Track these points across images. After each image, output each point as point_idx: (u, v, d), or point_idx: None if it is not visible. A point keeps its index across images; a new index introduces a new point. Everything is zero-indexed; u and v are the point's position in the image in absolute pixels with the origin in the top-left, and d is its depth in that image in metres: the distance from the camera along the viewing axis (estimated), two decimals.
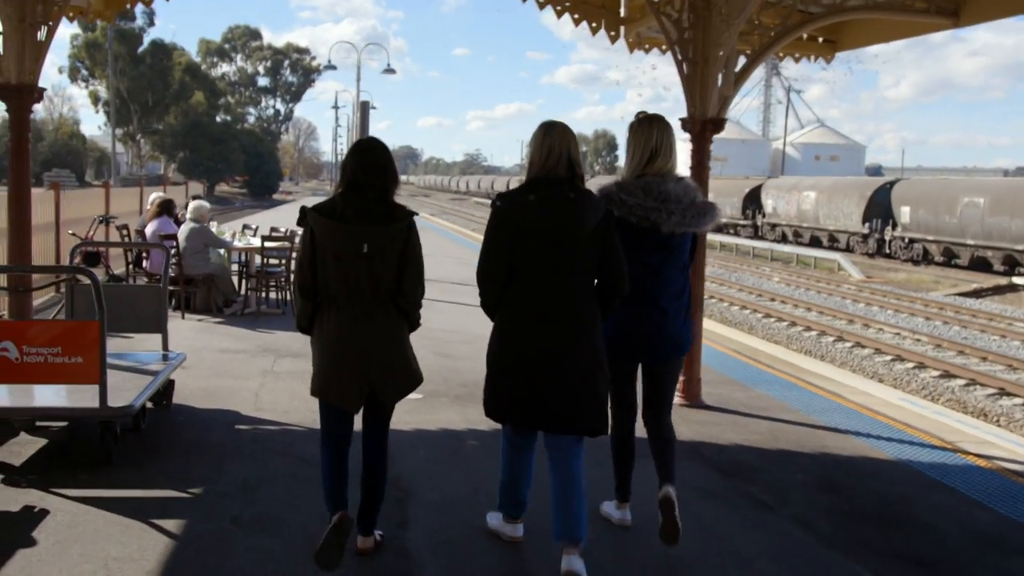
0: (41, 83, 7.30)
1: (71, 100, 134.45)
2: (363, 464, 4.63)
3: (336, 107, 60.76)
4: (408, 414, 7.40)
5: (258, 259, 11.94)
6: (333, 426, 4.57)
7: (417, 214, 4.54)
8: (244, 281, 12.76)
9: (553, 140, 4.43)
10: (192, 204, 11.89)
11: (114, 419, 5.86)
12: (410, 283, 4.45)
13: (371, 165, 4.35)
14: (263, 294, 12.22)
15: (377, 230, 4.30)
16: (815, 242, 40.74)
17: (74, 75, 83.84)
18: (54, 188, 13.48)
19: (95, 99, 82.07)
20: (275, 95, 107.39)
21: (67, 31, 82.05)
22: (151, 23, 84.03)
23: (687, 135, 8.18)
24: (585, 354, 4.39)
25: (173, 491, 5.53)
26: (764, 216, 44.57)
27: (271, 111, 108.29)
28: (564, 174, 4.41)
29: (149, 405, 6.75)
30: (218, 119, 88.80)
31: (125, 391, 6.13)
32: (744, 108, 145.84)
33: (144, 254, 12.28)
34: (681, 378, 8.10)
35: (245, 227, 14.91)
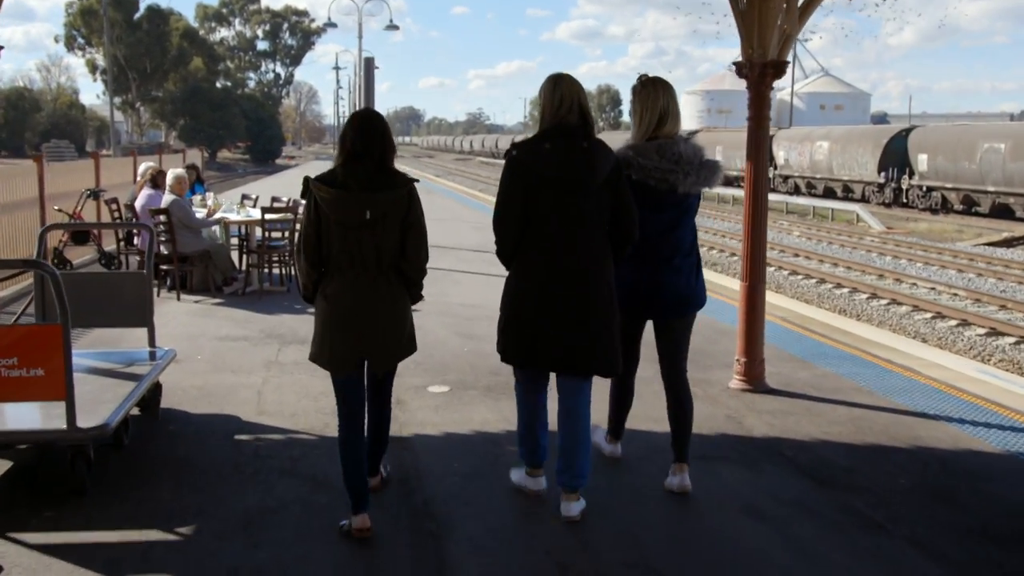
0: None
1: (69, 70, 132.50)
2: (367, 418, 4.68)
3: (337, 67, 59.51)
4: (435, 412, 6.43)
5: (259, 232, 10.87)
6: (347, 394, 4.54)
7: (418, 180, 4.55)
8: (245, 257, 11.72)
9: (564, 89, 4.51)
10: (169, 173, 10.83)
11: (86, 442, 4.88)
12: (413, 248, 4.45)
13: (369, 134, 4.38)
14: (265, 270, 11.15)
15: (378, 197, 4.32)
16: (829, 193, 39.44)
17: (70, 44, 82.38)
18: (36, 161, 12.42)
19: (92, 67, 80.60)
20: (275, 59, 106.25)
21: None
22: None
23: (743, 80, 7.10)
24: (600, 298, 4.49)
25: (158, 531, 4.53)
26: (776, 168, 43.11)
27: (271, 75, 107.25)
28: (576, 122, 4.48)
29: (135, 412, 5.78)
30: (218, 85, 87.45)
31: (101, 404, 5.16)
32: None
33: (135, 231, 11.29)
34: (742, 360, 7.16)
35: (244, 197, 13.81)
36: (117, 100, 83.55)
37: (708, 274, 9.92)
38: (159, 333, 6.77)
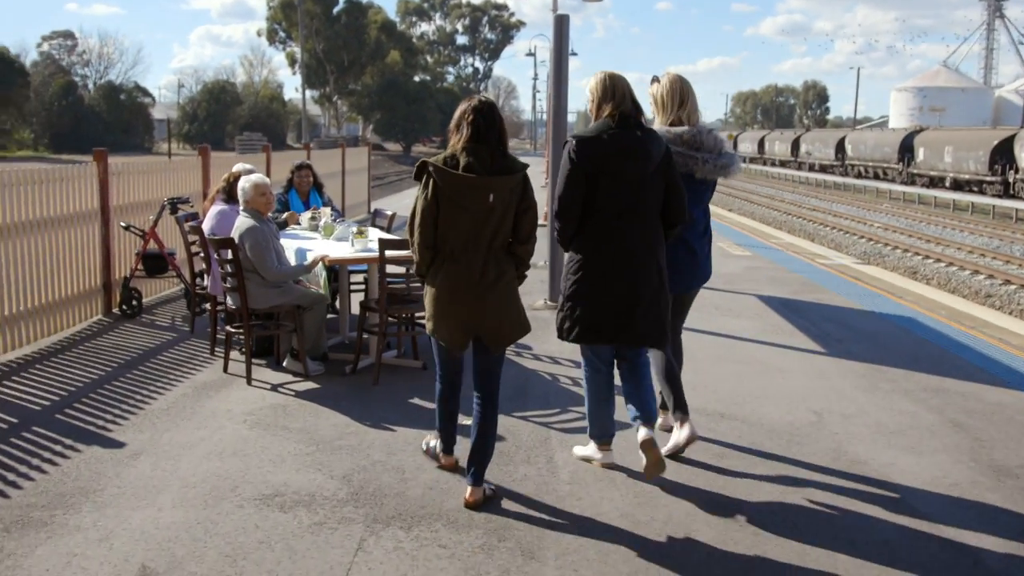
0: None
1: (271, 63, 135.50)
2: (474, 411, 4.66)
3: (532, 54, 55.25)
4: None
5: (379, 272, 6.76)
6: (444, 358, 4.69)
7: (528, 166, 4.56)
8: (362, 313, 7.20)
9: (615, 82, 4.80)
10: (242, 180, 6.89)
11: None
12: (527, 232, 4.55)
13: (492, 119, 4.43)
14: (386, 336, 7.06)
15: (501, 181, 4.39)
16: None
17: (272, 37, 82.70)
18: (96, 159, 8.83)
19: (292, 61, 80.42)
20: (474, 53, 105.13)
21: None
22: None
23: None
24: (656, 278, 4.81)
25: None
26: (1018, 172, 36.30)
27: (469, 70, 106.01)
28: (631, 112, 4.74)
29: None
30: (416, 79, 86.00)
31: None
32: (964, 54, 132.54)
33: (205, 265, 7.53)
34: None
35: (376, 215, 9.29)
36: (315, 93, 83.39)
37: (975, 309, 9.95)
38: (160, 471, 4.38)
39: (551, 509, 4.55)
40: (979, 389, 6.84)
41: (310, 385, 6.58)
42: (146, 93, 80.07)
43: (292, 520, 4.33)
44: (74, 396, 6.28)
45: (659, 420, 5.30)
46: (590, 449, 5.23)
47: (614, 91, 4.75)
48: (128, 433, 5.51)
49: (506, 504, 4.59)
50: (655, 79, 5.33)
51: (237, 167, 8.00)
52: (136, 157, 50.06)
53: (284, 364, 6.95)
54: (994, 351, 8.17)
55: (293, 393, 6.39)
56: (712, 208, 5.72)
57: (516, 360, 7.28)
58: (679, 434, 5.21)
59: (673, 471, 5.05)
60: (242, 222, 6.59)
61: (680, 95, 5.21)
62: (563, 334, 4.88)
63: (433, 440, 5.07)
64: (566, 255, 4.96)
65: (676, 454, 5.25)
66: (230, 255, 6.47)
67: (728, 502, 4.70)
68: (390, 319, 6.79)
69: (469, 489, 4.58)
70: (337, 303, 8.13)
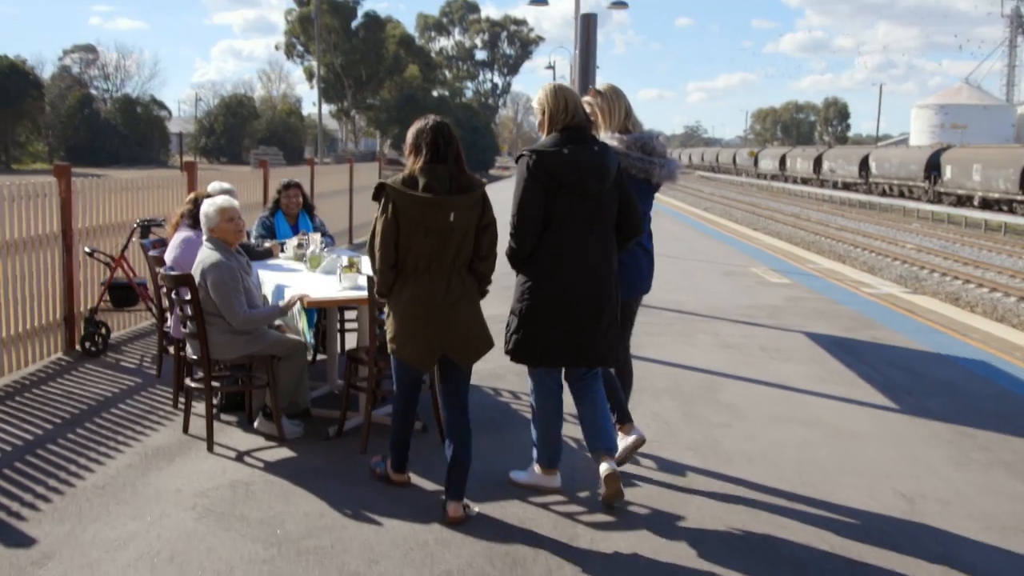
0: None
1: (289, 77, 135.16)
2: (446, 427, 4.65)
3: (551, 67, 54.08)
4: None
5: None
6: (406, 377, 4.65)
7: (486, 183, 4.65)
8: (349, 364, 5.88)
9: (566, 93, 4.69)
10: (207, 202, 5.69)
11: None
12: (488, 248, 4.54)
13: (449, 138, 4.43)
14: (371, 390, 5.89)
15: (460, 200, 4.39)
16: None
17: (290, 51, 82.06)
18: (57, 174, 7.72)
19: (310, 75, 79.65)
20: (492, 68, 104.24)
21: (282, 6, 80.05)
22: None
23: None
24: (613, 295, 4.71)
25: None
26: None
27: (488, 85, 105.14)
28: (584, 124, 4.66)
29: None
30: (434, 93, 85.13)
31: None
32: (985, 72, 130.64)
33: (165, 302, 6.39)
34: None
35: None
36: (333, 108, 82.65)
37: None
38: None
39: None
40: None
41: (284, 452, 5.43)
42: (162, 106, 79.53)
43: None
44: None
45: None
46: (534, 476, 4.93)
47: (566, 103, 4.63)
48: (45, 524, 4.37)
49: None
50: (597, 91, 5.30)
51: (212, 186, 6.89)
52: (151, 170, 49.36)
53: (255, 425, 5.80)
54: None
55: (261, 465, 5.22)
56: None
57: None
58: (625, 440, 5.17)
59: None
60: (204, 255, 5.45)
61: (626, 104, 5.22)
62: (518, 356, 4.70)
63: (379, 459, 4.99)
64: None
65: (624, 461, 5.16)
66: (189, 295, 5.33)
67: None
68: (383, 372, 5.60)
69: (451, 505, 4.52)
70: (325, 344, 6.96)
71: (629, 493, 4.87)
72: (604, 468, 4.69)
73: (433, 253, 4.37)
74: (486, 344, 4.63)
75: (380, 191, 4.40)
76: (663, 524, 4.55)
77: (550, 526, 4.50)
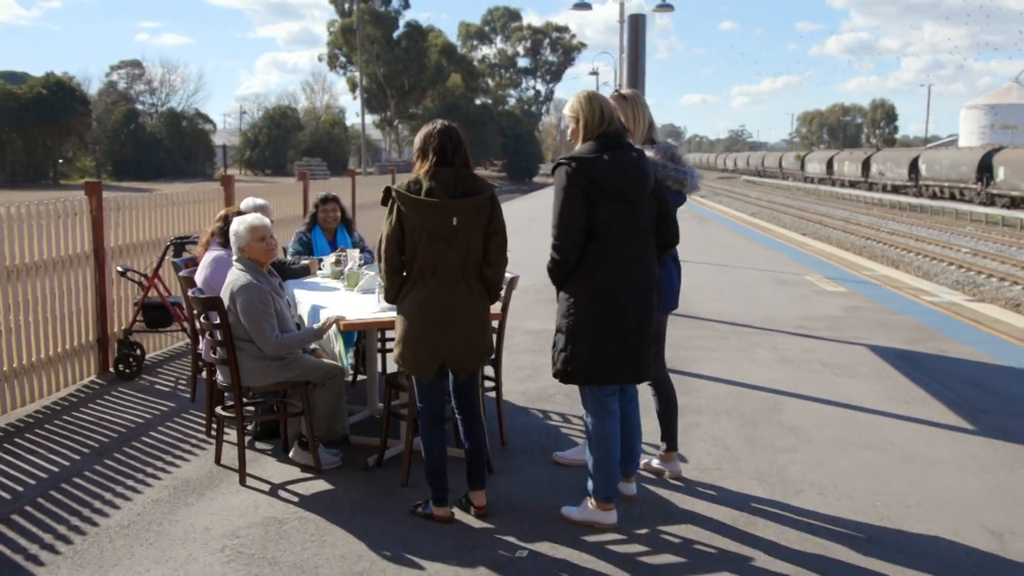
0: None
1: (332, 88, 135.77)
2: (461, 431, 4.64)
3: (595, 73, 53.48)
4: None
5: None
6: (426, 397, 4.55)
7: (497, 187, 4.56)
8: (388, 390, 5.44)
9: (600, 100, 4.51)
10: (236, 221, 5.39)
11: None
12: (496, 254, 4.47)
13: (457, 141, 4.40)
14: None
15: (464, 203, 4.32)
16: None
17: (333, 62, 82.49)
18: (88, 191, 7.52)
19: (353, 85, 79.94)
20: (535, 76, 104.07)
21: (325, 18, 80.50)
22: (406, 4, 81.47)
23: None
24: (656, 307, 4.56)
25: None
26: None
27: (531, 92, 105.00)
28: (620, 130, 4.49)
29: None
30: (477, 102, 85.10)
31: None
32: None
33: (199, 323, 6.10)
34: None
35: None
36: (376, 118, 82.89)
37: None
38: None
39: None
40: None
41: (321, 485, 5.11)
42: (207, 119, 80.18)
43: None
44: (20, 500, 4.90)
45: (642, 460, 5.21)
46: (587, 511, 4.59)
47: (602, 110, 4.48)
48: (63, 570, 4.08)
49: None
50: (622, 96, 5.17)
51: (244, 203, 6.61)
52: (195, 183, 49.65)
53: (291, 455, 5.49)
54: None
55: (296, 499, 4.91)
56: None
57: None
58: (664, 464, 5.24)
59: None
60: (234, 277, 5.16)
61: (648, 114, 5.14)
62: (567, 376, 4.47)
63: (422, 503, 4.70)
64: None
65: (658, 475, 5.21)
66: (218, 319, 5.04)
67: None
68: None
69: (475, 495, 4.61)
70: (365, 364, 6.65)
71: (693, 531, 4.50)
72: (625, 491, 4.84)
73: (439, 258, 4.32)
74: (484, 354, 4.57)
75: (387, 195, 4.37)
76: (731, 565, 4.16)
77: (607, 568, 4.13)
